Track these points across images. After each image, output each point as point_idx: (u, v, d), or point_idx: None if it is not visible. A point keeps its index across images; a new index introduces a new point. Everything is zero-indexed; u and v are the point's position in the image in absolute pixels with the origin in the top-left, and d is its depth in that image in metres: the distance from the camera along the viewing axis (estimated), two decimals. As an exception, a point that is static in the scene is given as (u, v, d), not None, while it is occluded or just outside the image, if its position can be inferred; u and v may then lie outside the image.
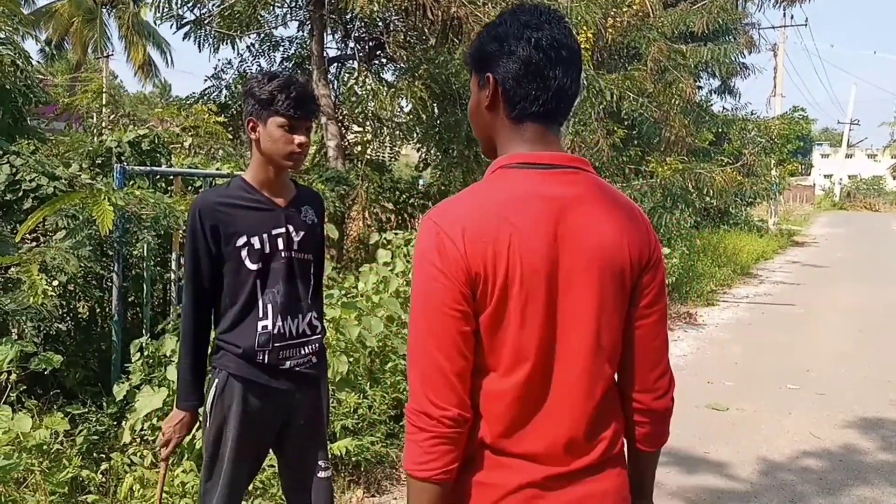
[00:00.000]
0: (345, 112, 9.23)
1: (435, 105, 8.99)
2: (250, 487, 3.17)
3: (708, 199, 11.46)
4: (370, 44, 9.61)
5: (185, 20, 8.83)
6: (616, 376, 1.39)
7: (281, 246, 2.28)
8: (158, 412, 3.53)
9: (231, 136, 8.08)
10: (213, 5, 8.80)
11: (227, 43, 9.22)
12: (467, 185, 1.94)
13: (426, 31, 8.56)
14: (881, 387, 6.19)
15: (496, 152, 1.38)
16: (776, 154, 18.04)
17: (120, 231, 4.16)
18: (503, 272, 1.24)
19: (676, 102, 9.86)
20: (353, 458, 3.83)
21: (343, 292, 5.09)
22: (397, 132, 9.55)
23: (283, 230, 2.28)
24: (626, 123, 9.96)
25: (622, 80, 8.87)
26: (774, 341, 8.01)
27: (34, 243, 4.26)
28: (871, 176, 59.78)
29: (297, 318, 2.31)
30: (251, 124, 2.24)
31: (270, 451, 2.48)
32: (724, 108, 19.14)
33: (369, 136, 9.75)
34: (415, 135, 9.54)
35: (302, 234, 2.33)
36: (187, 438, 2.65)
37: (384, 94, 8.49)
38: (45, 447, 3.29)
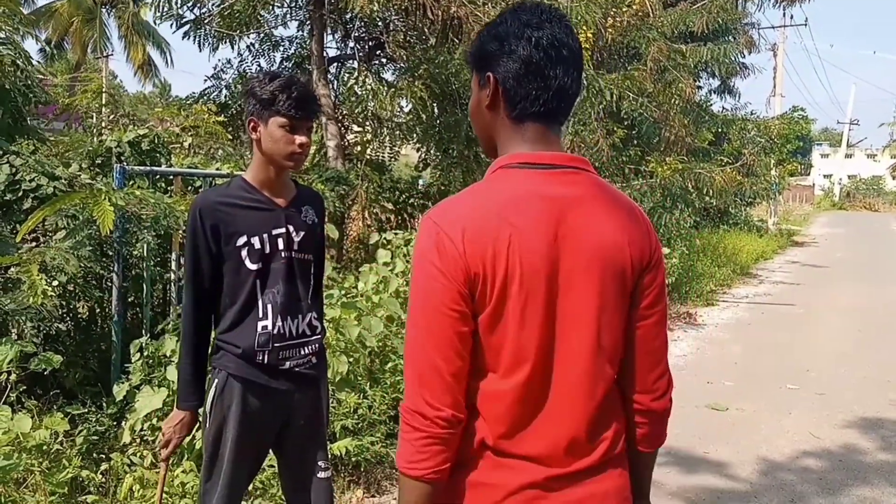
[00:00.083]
0: (345, 112, 9.22)
1: (435, 105, 8.98)
2: (250, 488, 3.17)
3: (707, 198, 11.45)
4: (370, 44, 9.60)
5: (184, 19, 8.84)
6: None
7: (281, 246, 2.28)
8: (158, 412, 3.53)
9: (231, 136, 8.08)
10: (213, 5, 8.80)
11: (226, 42, 9.22)
12: (467, 185, 1.94)
13: (426, 30, 8.56)
14: (881, 387, 6.19)
15: (497, 152, 1.38)
16: (776, 154, 18.02)
17: (120, 231, 4.16)
18: (503, 272, 1.24)
19: (676, 102, 9.86)
20: (353, 459, 3.83)
21: (343, 292, 5.09)
22: (397, 132, 9.54)
23: (283, 230, 2.28)
24: (625, 123, 9.96)
25: (622, 79, 8.87)
26: (774, 341, 8.01)
27: (34, 243, 4.25)
28: (870, 176, 59.84)
29: (297, 319, 2.31)
30: (252, 124, 2.23)
31: (270, 451, 2.48)
32: (723, 107, 19.18)
33: (369, 136, 9.75)
34: (414, 135, 9.54)
35: (302, 234, 2.32)
36: (187, 439, 2.65)
37: (384, 93, 8.48)
38: (44, 447, 3.29)
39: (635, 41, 9.75)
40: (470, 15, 7.48)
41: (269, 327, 2.25)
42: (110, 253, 4.31)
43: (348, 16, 9.15)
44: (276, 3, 9.24)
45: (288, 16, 9.69)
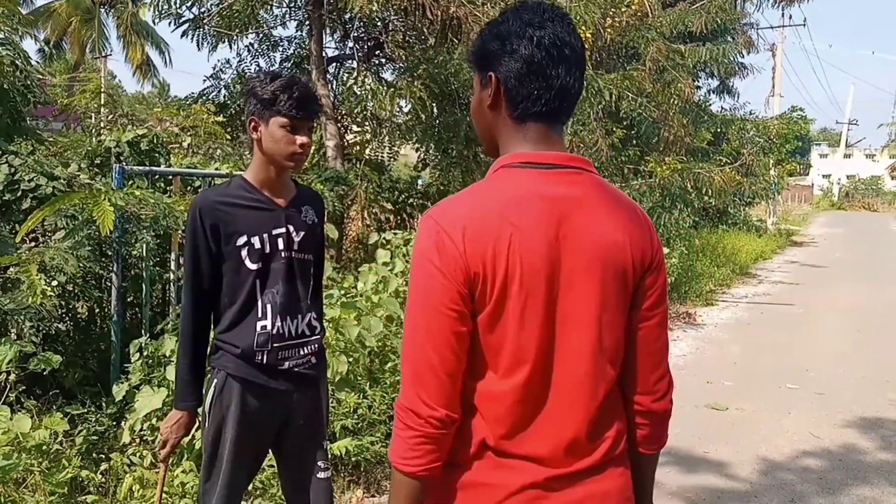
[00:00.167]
0: (344, 112, 9.22)
1: (434, 105, 8.98)
2: (250, 488, 3.17)
3: (706, 198, 11.47)
4: (369, 44, 9.60)
5: (183, 18, 8.83)
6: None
7: (281, 246, 2.27)
8: (158, 412, 3.52)
9: (230, 136, 8.07)
10: (212, 4, 8.80)
11: (225, 42, 9.22)
12: (466, 184, 1.94)
13: (425, 30, 8.56)
14: (880, 386, 6.19)
15: (498, 151, 1.37)
16: (775, 154, 18.05)
17: (119, 231, 4.15)
18: (503, 272, 1.24)
19: (675, 102, 9.86)
20: (353, 459, 3.82)
21: (342, 292, 5.09)
22: (396, 132, 9.55)
23: (283, 230, 2.28)
24: (624, 123, 9.96)
25: (621, 79, 8.87)
26: (773, 341, 8.02)
27: (33, 243, 4.25)
28: (869, 176, 59.90)
29: (297, 319, 2.31)
30: (253, 124, 2.23)
31: (270, 451, 2.47)
32: (722, 107, 19.16)
33: (368, 136, 9.75)
34: (414, 135, 9.54)
35: (302, 234, 2.32)
36: (186, 439, 2.64)
37: (383, 93, 8.48)
38: (44, 447, 3.29)
39: (634, 41, 9.76)
40: (469, 15, 7.48)
41: (269, 327, 2.24)
42: (109, 253, 4.30)
43: (347, 16, 9.15)
44: (274, 3, 9.24)
45: (287, 16, 9.69)
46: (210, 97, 9.58)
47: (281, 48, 10.09)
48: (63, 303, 4.26)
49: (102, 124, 6.41)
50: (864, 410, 5.55)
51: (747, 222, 21.07)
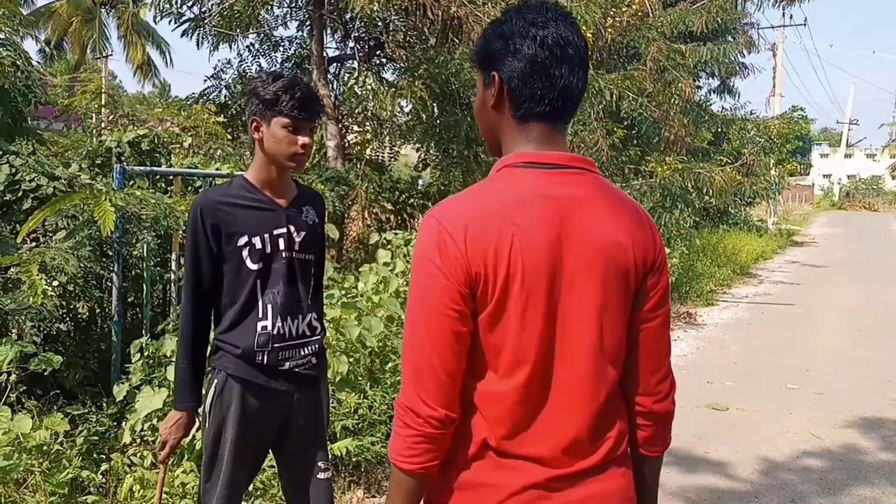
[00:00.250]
0: (344, 112, 9.22)
1: (435, 105, 8.98)
2: (250, 488, 3.17)
3: (707, 198, 11.46)
4: (370, 44, 9.60)
5: (184, 18, 8.83)
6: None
7: (282, 246, 2.27)
8: (158, 413, 3.52)
9: (230, 137, 8.07)
10: (213, 4, 8.80)
11: (226, 42, 9.22)
12: (467, 184, 1.94)
13: (426, 30, 8.56)
14: (880, 386, 6.19)
15: (501, 151, 1.37)
16: (775, 154, 18.01)
17: (120, 231, 4.15)
18: (504, 272, 1.23)
19: (676, 102, 9.86)
20: (354, 459, 3.82)
21: (343, 292, 5.09)
22: (397, 132, 9.55)
23: (284, 230, 2.27)
24: (625, 123, 9.95)
25: (621, 79, 8.87)
26: (774, 341, 8.02)
27: (34, 244, 4.25)
28: (869, 176, 59.83)
29: (297, 319, 2.30)
30: (254, 124, 2.22)
31: (270, 451, 2.47)
32: (723, 107, 19.14)
33: (369, 136, 9.75)
34: (414, 135, 9.54)
35: (303, 234, 2.32)
36: (186, 439, 2.64)
37: (384, 93, 8.48)
38: (44, 448, 3.29)
39: (635, 41, 9.76)
40: (470, 15, 7.48)
41: (269, 328, 2.24)
42: (110, 253, 4.30)
43: (348, 16, 9.15)
44: (275, 3, 9.24)
45: (288, 16, 9.69)
46: (211, 97, 9.58)
47: (282, 48, 10.10)
48: (64, 303, 4.26)
49: (103, 124, 6.42)
50: (864, 410, 5.54)
51: (748, 222, 21.08)
